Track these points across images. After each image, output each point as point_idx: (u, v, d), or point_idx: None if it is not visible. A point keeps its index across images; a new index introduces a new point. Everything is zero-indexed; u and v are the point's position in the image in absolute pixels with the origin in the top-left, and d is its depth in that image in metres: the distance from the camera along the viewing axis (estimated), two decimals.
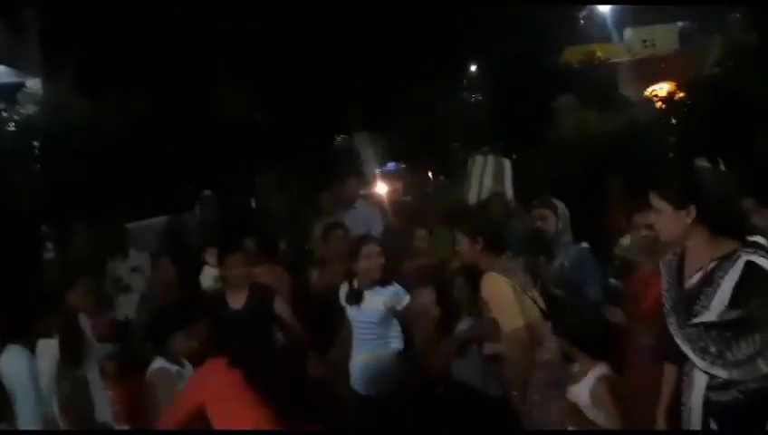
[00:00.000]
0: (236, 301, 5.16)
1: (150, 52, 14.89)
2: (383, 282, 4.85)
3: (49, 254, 10.03)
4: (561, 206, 4.37)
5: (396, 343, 4.90)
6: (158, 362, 4.11)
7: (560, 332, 3.45)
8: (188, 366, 4.18)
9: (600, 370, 3.34)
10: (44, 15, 13.37)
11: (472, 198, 7.14)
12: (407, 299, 4.86)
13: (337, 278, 5.39)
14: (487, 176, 7.18)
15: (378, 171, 32.86)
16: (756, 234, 2.79)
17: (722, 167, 2.88)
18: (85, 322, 4.77)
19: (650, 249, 3.98)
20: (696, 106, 11.00)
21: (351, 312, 4.98)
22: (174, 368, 4.10)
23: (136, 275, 7.55)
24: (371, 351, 4.81)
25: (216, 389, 3.13)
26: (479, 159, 7.47)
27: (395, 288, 4.87)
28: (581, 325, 3.40)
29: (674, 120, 11.30)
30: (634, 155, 10.11)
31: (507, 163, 7.41)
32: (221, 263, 5.29)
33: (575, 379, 3.38)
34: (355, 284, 4.95)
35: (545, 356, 3.66)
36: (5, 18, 12.51)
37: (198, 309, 5.00)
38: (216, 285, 5.94)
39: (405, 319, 4.93)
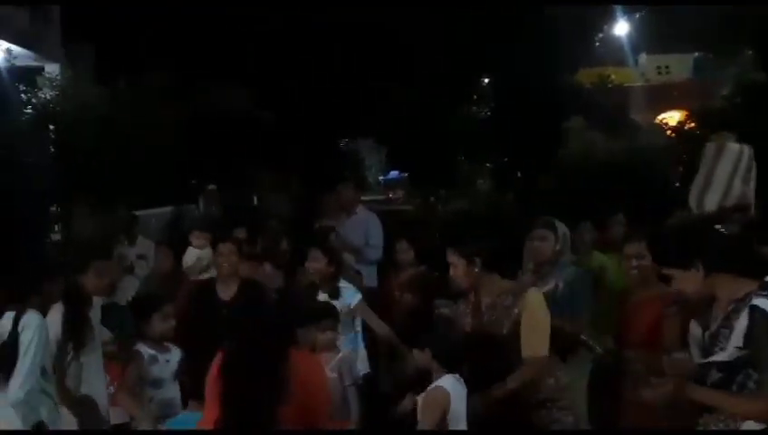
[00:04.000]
0: (226, 292, 5.18)
1: (162, 45, 15.05)
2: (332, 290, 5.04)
3: (59, 235, 10.19)
4: (561, 227, 4.41)
5: (354, 343, 5.06)
6: (137, 346, 4.26)
7: (422, 345, 3.59)
8: (175, 351, 4.29)
9: (441, 381, 3.48)
10: (65, 2, 13.53)
11: (710, 203, 5.42)
12: (357, 298, 5.08)
13: None
14: (739, 175, 5.37)
15: (380, 178, 33.01)
16: None
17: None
18: (97, 305, 4.87)
19: (642, 279, 4.07)
20: (705, 137, 11.07)
21: None
22: (150, 352, 4.21)
23: (141, 261, 7.71)
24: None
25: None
26: (732, 147, 5.49)
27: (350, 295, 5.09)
28: (439, 339, 3.58)
29: (682, 149, 11.36)
30: (639, 181, 10.18)
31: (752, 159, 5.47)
32: (213, 250, 5.38)
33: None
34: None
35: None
36: (27, 4, 12.65)
37: (185, 294, 5.19)
38: (197, 264, 6.11)
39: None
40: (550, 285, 4.30)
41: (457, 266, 3.75)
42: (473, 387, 3.51)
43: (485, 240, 3.85)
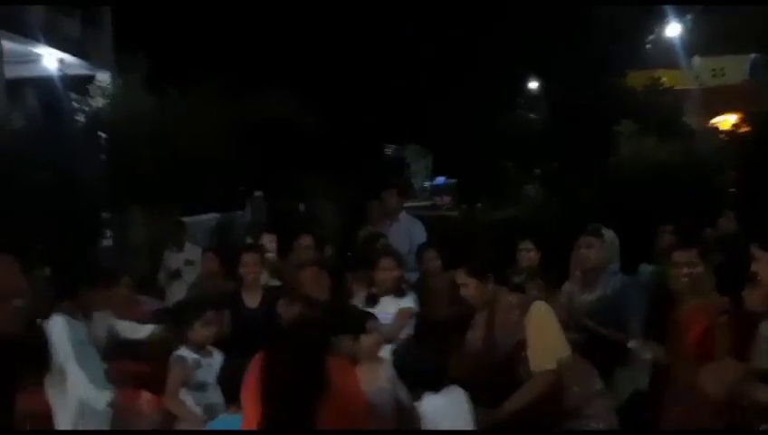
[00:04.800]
0: (252, 300, 5.27)
1: (211, 53, 15.24)
2: (398, 292, 5.02)
3: (108, 240, 10.38)
4: (609, 234, 4.31)
5: None
6: (180, 350, 4.31)
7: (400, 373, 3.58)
8: (217, 355, 4.32)
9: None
10: (117, 11, 13.82)
11: None
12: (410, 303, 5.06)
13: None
14: None
15: (427, 184, 32.91)
16: None
17: None
18: (100, 321, 4.96)
19: (693, 287, 3.92)
20: (761, 140, 10.75)
21: None
22: (192, 356, 4.27)
23: (189, 267, 7.79)
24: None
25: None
26: None
27: (409, 298, 5.06)
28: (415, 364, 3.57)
29: (737, 153, 11.04)
30: (692, 186, 9.91)
31: None
32: (226, 264, 5.46)
33: None
34: (374, 290, 5.14)
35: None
36: (80, 12, 12.95)
37: (218, 302, 5.14)
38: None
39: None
40: (596, 293, 4.20)
41: (468, 286, 3.71)
42: (487, 404, 3.43)
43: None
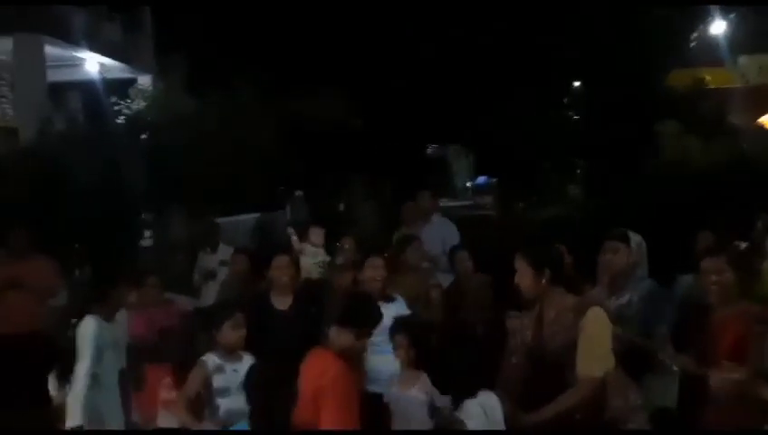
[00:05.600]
0: (281, 302, 5.15)
1: (252, 54, 15.36)
2: (387, 298, 4.93)
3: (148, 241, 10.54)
4: (636, 238, 4.21)
5: None
6: (206, 355, 4.25)
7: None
8: (246, 360, 4.25)
9: None
10: (157, 14, 14.02)
11: None
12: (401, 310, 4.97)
13: (410, 289, 5.42)
14: None
15: (468, 184, 32.75)
16: None
17: None
18: (120, 318, 5.03)
19: (723, 295, 3.80)
20: None
21: None
22: (216, 361, 4.19)
23: (224, 268, 7.84)
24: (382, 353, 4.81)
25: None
26: None
27: (399, 304, 4.99)
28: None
29: None
30: (739, 188, 9.64)
31: None
32: (268, 264, 5.30)
33: None
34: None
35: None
36: (120, 17, 13.18)
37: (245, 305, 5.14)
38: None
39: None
40: (623, 299, 4.11)
41: (524, 274, 3.59)
42: (526, 406, 3.36)
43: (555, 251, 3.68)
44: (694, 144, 10.99)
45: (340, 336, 3.61)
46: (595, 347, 3.42)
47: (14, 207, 8.06)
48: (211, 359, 4.20)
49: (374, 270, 5.06)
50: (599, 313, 3.51)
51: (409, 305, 5.20)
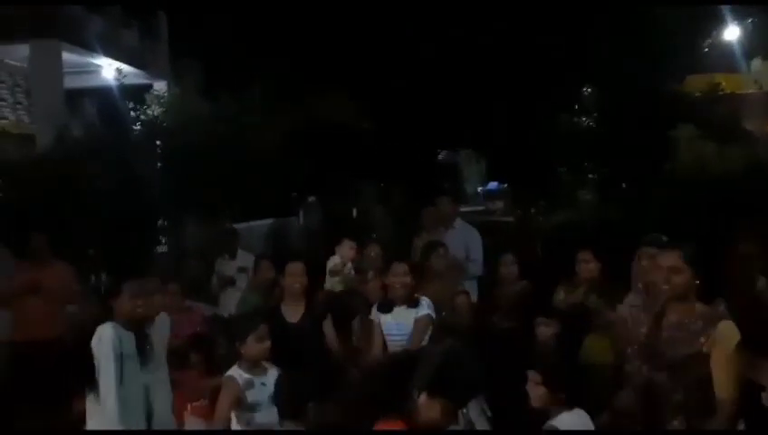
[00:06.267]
0: (292, 314, 5.12)
1: (265, 60, 15.37)
2: (411, 302, 5.04)
3: (162, 247, 10.52)
4: None
5: None
6: (232, 370, 4.18)
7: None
8: (272, 372, 4.19)
9: (558, 420, 3.23)
10: (173, 20, 14.07)
11: None
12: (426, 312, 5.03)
13: (436, 296, 5.40)
14: None
15: (480, 189, 32.74)
16: None
17: None
18: (162, 323, 4.96)
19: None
20: None
21: (385, 323, 5.13)
22: (245, 376, 4.12)
23: (242, 274, 7.83)
24: None
25: None
26: None
27: (423, 307, 5.06)
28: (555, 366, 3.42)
29: None
30: (755, 195, 9.56)
31: None
32: (280, 271, 5.30)
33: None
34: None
35: None
36: (137, 23, 13.22)
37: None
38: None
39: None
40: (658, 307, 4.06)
41: (682, 270, 3.42)
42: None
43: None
44: (710, 149, 10.92)
45: (429, 408, 2.90)
46: (733, 367, 3.33)
47: (31, 212, 8.08)
48: (238, 374, 4.13)
49: (400, 276, 5.07)
50: (733, 328, 3.40)
51: (435, 310, 5.20)
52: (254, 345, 4.16)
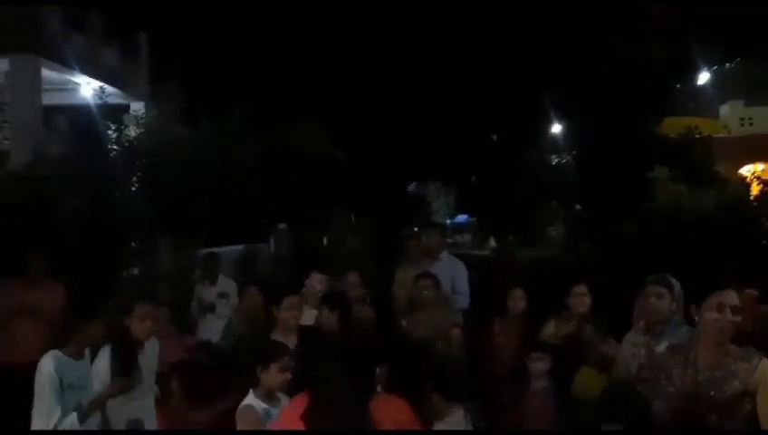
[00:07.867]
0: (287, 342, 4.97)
1: (241, 86, 15.36)
2: None
3: (135, 271, 10.30)
4: (677, 285, 4.21)
5: None
6: (249, 399, 4.08)
7: None
8: (284, 400, 4.10)
9: None
10: (153, 42, 13.99)
11: None
12: None
13: (427, 327, 5.35)
14: None
15: (447, 222, 32.98)
16: None
17: None
18: (151, 349, 4.84)
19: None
20: None
21: None
22: (263, 406, 4.04)
23: (222, 300, 7.68)
24: None
25: None
26: None
27: None
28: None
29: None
30: (725, 235, 9.75)
31: None
32: (278, 304, 5.19)
33: None
34: None
35: None
36: (117, 42, 13.11)
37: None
38: None
39: None
40: (661, 346, 4.09)
41: (744, 308, 3.51)
42: None
43: None
44: (684, 190, 11.10)
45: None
46: None
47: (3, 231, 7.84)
48: (256, 403, 4.05)
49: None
50: None
51: (429, 343, 5.14)
52: (277, 375, 4.11)
